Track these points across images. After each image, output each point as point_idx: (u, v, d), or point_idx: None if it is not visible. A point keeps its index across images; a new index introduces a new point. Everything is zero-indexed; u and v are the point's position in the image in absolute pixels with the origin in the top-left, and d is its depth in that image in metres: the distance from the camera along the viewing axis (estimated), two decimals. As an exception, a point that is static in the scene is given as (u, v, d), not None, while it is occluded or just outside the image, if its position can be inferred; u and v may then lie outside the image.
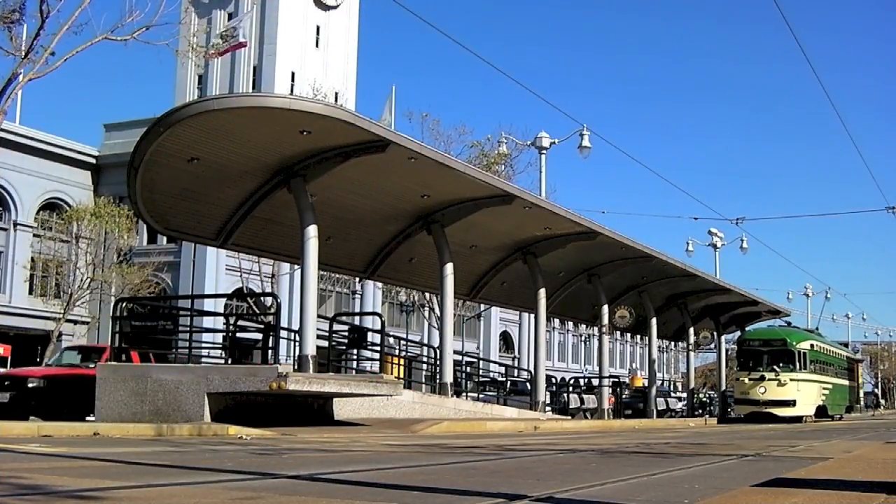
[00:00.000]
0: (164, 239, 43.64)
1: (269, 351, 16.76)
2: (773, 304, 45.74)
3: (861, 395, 67.25)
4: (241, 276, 41.15)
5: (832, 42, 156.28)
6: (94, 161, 48.71)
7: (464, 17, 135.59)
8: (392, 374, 22.11)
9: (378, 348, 21.09)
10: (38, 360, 37.25)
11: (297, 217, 17.44)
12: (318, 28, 55.04)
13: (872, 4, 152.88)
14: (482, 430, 19.19)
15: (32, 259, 44.39)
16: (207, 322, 27.22)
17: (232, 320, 24.01)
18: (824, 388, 38.73)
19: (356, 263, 23.21)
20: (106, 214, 39.44)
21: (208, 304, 38.26)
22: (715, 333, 44.59)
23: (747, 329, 42.68)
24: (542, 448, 12.45)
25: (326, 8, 55.42)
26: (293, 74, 52.30)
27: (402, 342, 28.98)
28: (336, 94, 49.03)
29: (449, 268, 21.32)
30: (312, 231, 17.24)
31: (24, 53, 19.19)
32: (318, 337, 18.77)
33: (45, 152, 46.06)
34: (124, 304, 19.23)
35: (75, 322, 45.14)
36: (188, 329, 19.31)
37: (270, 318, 18.67)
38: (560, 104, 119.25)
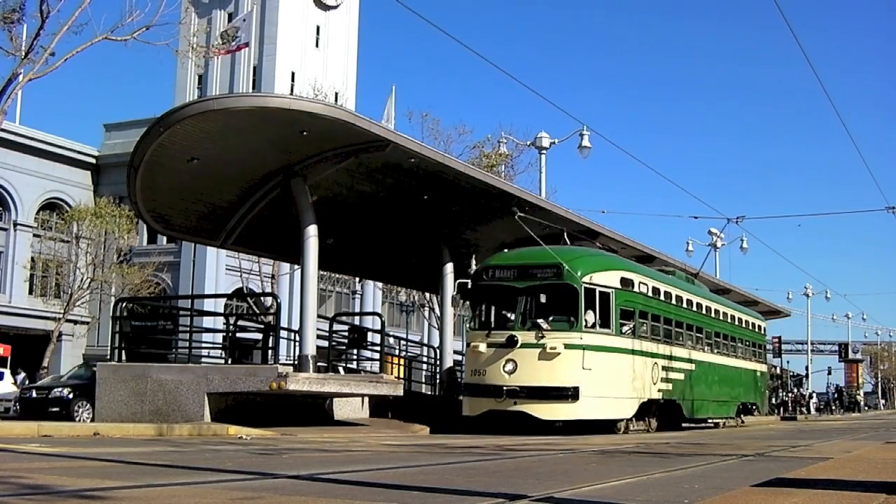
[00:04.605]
0: (164, 239, 43.62)
1: (269, 351, 16.77)
2: (774, 304, 45.73)
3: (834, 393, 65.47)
4: (241, 276, 41.14)
5: (832, 42, 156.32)
6: (94, 161, 48.69)
7: (464, 17, 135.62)
8: (392, 373, 22.11)
9: (378, 348, 21.10)
10: (39, 360, 37.26)
11: (296, 217, 17.44)
12: (318, 28, 55.02)
13: (872, 4, 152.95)
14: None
15: (32, 259, 44.38)
16: (207, 322, 27.21)
17: (232, 320, 24.01)
18: (671, 370, 21.35)
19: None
20: (106, 214, 39.43)
21: (208, 304, 38.25)
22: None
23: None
24: (542, 448, 12.45)
25: (326, 8, 55.41)
26: (293, 74, 52.28)
27: (402, 342, 28.99)
28: (336, 94, 49.01)
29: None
30: (313, 231, 17.24)
31: (24, 53, 19.20)
32: (318, 337, 18.77)
33: (45, 152, 46.05)
34: (124, 304, 19.25)
35: (75, 322, 45.14)
36: (188, 329, 19.31)
37: (270, 318, 18.67)
38: (560, 104, 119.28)
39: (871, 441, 16.31)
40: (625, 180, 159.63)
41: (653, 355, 20.23)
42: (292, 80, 52.02)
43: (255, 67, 52.75)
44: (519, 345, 17.35)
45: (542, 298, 18.02)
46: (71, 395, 20.39)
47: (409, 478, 7.39)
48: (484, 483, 7.03)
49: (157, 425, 14.20)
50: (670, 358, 21.38)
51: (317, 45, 54.68)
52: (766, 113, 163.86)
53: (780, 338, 65.23)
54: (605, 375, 18.17)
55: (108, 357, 19.07)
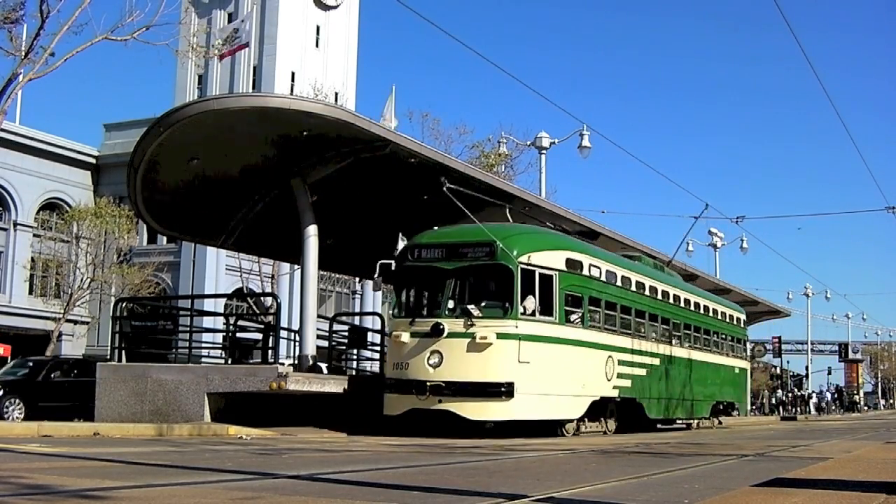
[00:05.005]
0: (164, 239, 43.59)
1: (269, 351, 16.77)
2: (774, 304, 45.76)
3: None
4: (241, 276, 41.13)
5: (832, 42, 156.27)
6: (94, 161, 48.67)
7: (464, 17, 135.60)
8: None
9: (378, 348, 21.10)
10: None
11: (296, 217, 17.45)
12: (318, 28, 55.01)
13: (872, 4, 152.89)
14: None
15: (32, 259, 44.36)
16: (207, 322, 27.21)
17: (232, 320, 24.02)
18: (631, 365, 19.17)
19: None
20: (106, 214, 39.42)
21: (208, 304, 38.23)
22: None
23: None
24: (542, 448, 12.45)
25: (326, 8, 55.40)
26: (293, 74, 52.27)
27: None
28: (336, 93, 49.02)
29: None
30: (312, 231, 17.25)
31: (24, 53, 19.20)
32: (318, 337, 18.77)
33: (45, 152, 46.02)
34: (124, 304, 19.26)
35: (75, 322, 45.12)
36: (188, 329, 19.33)
37: (270, 318, 18.67)
38: (560, 104, 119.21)
39: (871, 441, 16.31)
40: (625, 180, 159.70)
41: (607, 348, 17.98)
42: (292, 80, 52.01)
43: (255, 67, 52.74)
44: (445, 334, 15.14)
45: (474, 281, 16.03)
46: (0, 393, 19.65)
47: (409, 478, 7.39)
48: (484, 483, 7.03)
49: (157, 425, 14.20)
50: (630, 351, 19.12)
51: (317, 45, 54.67)
52: (766, 113, 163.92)
53: (780, 338, 65.27)
54: (546, 370, 15.87)
55: (108, 357, 19.07)
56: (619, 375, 18.39)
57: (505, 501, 5.73)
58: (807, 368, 75.58)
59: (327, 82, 46.01)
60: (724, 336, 27.00)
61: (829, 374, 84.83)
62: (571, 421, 16.96)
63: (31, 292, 45.21)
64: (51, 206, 46.47)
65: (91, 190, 47.98)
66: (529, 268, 15.74)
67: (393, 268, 16.28)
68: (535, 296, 15.74)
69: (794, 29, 49.20)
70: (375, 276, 16.23)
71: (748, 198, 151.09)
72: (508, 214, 18.53)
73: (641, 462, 10.22)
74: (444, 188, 16.33)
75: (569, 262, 16.86)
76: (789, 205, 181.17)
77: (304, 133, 16.17)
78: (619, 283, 19.00)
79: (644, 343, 20.05)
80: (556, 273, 16.24)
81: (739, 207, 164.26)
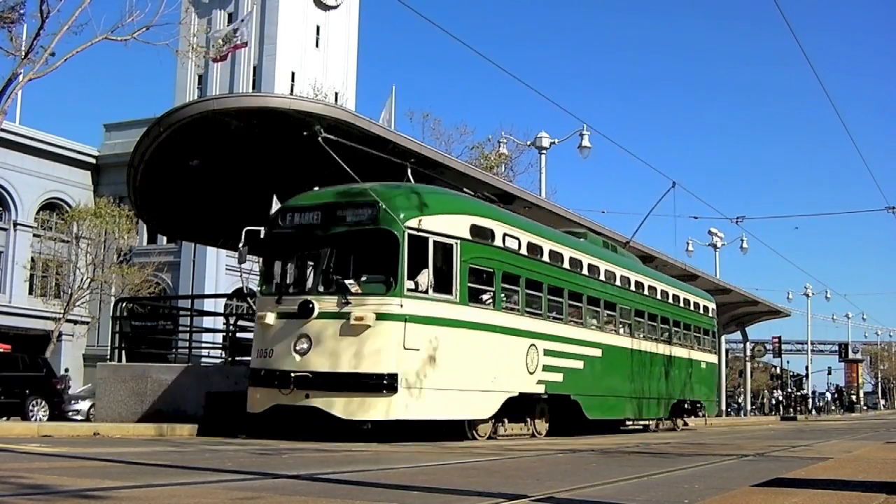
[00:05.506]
0: (164, 239, 43.56)
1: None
2: (774, 304, 45.80)
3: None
4: (241, 276, 41.04)
5: (832, 42, 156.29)
6: (94, 161, 48.68)
7: (463, 17, 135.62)
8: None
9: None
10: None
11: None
12: (318, 28, 55.00)
13: (872, 4, 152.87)
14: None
15: (32, 259, 44.37)
16: (207, 322, 27.20)
17: (232, 320, 24.01)
18: (562, 356, 16.48)
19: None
20: (106, 214, 39.42)
21: (208, 304, 38.21)
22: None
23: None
24: (542, 448, 12.44)
25: (326, 8, 55.39)
26: (293, 74, 52.27)
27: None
28: (336, 93, 49.01)
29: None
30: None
31: (24, 53, 19.19)
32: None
33: (45, 152, 46.03)
34: (124, 304, 19.27)
35: (75, 322, 45.14)
36: (188, 329, 19.32)
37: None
38: (560, 104, 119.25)
39: (871, 441, 16.31)
40: (625, 180, 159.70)
41: (529, 335, 15.22)
42: (292, 80, 52.00)
43: (255, 67, 52.73)
44: (315, 314, 12.55)
45: (354, 251, 13.55)
46: None
47: (408, 478, 7.39)
48: (484, 483, 7.03)
49: (157, 425, 14.18)
50: (561, 340, 16.37)
51: (317, 45, 54.66)
52: (766, 113, 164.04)
53: (780, 338, 65.32)
54: (441, 359, 12.96)
55: (108, 357, 19.07)
56: (547, 368, 15.67)
57: (505, 501, 5.73)
58: (807, 368, 75.62)
59: (327, 82, 46.00)
60: (687, 326, 23.99)
61: (829, 374, 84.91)
62: (485, 422, 14.41)
63: (31, 292, 45.22)
64: (51, 206, 46.47)
65: (91, 190, 47.99)
66: (420, 234, 12.95)
67: (262, 235, 13.67)
68: (429, 269, 12.98)
69: (794, 29, 49.20)
70: (241, 245, 13.57)
71: (748, 198, 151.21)
72: (410, 175, 15.58)
73: (641, 462, 10.23)
74: (319, 138, 13.85)
75: (475, 229, 14.03)
76: (789, 205, 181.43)
77: (305, 133, 16.14)
78: (546, 258, 16.16)
79: (581, 331, 17.38)
80: (458, 242, 13.46)
81: (739, 207, 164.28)
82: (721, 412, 46.87)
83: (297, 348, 12.62)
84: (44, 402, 23.30)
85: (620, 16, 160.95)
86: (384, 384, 12.38)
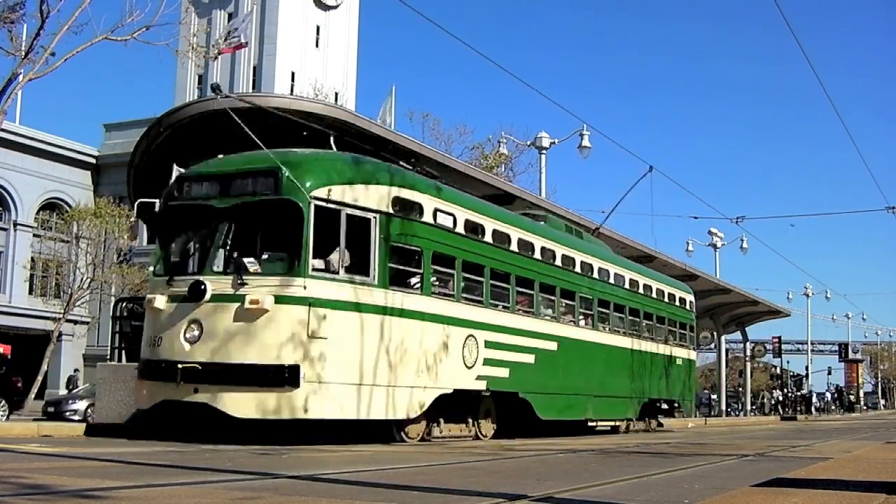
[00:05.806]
0: (164, 239, 43.54)
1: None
2: (773, 304, 45.82)
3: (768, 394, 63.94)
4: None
5: (832, 42, 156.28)
6: (94, 161, 48.69)
7: (464, 17, 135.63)
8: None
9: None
10: (39, 360, 37.23)
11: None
12: (318, 28, 55.01)
13: (872, 4, 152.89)
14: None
15: (32, 259, 44.35)
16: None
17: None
18: (509, 349, 14.84)
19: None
20: (106, 214, 39.42)
21: (208, 304, 38.18)
22: (715, 333, 44.64)
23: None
24: (542, 448, 12.44)
25: (326, 8, 55.40)
26: (293, 74, 52.27)
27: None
28: (336, 93, 49.02)
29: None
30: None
31: (24, 53, 19.18)
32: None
33: (45, 152, 46.04)
34: (124, 304, 19.22)
35: (75, 322, 45.12)
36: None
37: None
38: (560, 104, 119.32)
39: (871, 441, 16.31)
40: (625, 180, 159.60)
41: (467, 324, 13.62)
42: (292, 80, 52.01)
43: (255, 67, 52.74)
44: (208, 297, 11.13)
45: (255, 226, 12.11)
46: None
47: (408, 478, 7.39)
48: (484, 483, 7.03)
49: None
50: (506, 331, 14.71)
51: (317, 45, 54.66)
52: (766, 113, 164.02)
53: (780, 338, 65.33)
54: (354, 350, 11.50)
55: (108, 357, 19.06)
56: (489, 362, 14.11)
57: (505, 501, 5.73)
58: (807, 368, 75.61)
59: (327, 82, 46.03)
60: (661, 319, 22.02)
61: (829, 374, 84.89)
62: (414, 422, 12.86)
63: (31, 292, 45.22)
64: (51, 206, 46.47)
65: (91, 190, 47.98)
66: (330, 206, 11.51)
67: (157, 209, 12.38)
68: (341, 246, 11.58)
69: (794, 29, 49.25)
70: (132, 219, 12.23)
71: (748, 198, 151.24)
72: (332, 143, 13.90)
73: (641, 462, 10.23)
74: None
75: (399, 202, 12.42)
76: (789, 204, 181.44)
77: (305, 133, 16.18)
78: (489, 239, 14.53)
79: (533, 322, 15.71)
80: (377, 216, 11.98)
81: (739, 207, 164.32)
82: (721, 412, 46.91)
83: (187, 336, 11.26)
84: (3, 402, 22.95)
85: (620, 16, 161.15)
86: (284, 378, 10.90)
